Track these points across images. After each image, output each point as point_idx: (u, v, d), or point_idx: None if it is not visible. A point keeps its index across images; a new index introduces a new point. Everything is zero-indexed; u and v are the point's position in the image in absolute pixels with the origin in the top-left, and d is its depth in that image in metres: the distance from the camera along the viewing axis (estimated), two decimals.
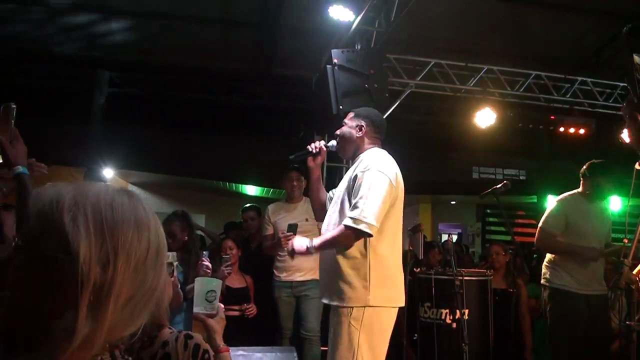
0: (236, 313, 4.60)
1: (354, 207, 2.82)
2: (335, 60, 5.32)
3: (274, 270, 5.06)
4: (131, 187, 11.11)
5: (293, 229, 4.70)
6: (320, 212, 3.35)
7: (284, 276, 4.98)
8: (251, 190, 12.40)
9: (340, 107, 5.25)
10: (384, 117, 6.34)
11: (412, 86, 6.91)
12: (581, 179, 4.34)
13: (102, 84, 8.83)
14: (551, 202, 4.44)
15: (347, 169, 3.42)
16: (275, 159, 3.35)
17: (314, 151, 3.21)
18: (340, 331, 2.83)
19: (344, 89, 5.35)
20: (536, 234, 4.34)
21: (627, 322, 2.92)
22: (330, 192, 3.35)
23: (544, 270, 4.34)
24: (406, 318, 4.90)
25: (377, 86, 5.46)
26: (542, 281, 4.33)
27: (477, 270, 4.94)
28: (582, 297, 4.12)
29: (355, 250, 2.89)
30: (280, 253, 4.98)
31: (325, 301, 3.01)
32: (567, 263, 4.19)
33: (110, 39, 7.49)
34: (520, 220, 13.52)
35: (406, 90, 6.87)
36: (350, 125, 3.18)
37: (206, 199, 12.53)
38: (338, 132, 3.24)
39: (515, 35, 6.93)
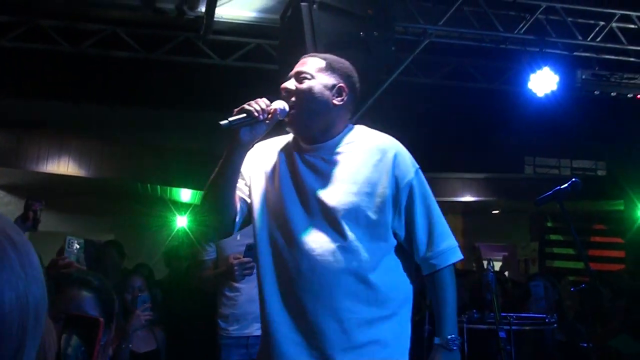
0: None
1: (438, 236, 2.81)
2: None
3: (219, 320, 4.98)
4: None
5: (253, 252, 4.58)
6: (227, 211, 2.82)
7: (233, 329, 4.89)
8: (186, 195, 12.35)
9: None
10: (390, 80, 6.40)
11: (432, 34, 6.88)
12: None
13: None
14: None
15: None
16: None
17: (261, 117, 2.61)
18: None
19: (327, 39, 5.29)
20: None
21: None
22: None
23: None
24: None
25: (377, 34, 5.42)
26: None
27: (533, 315, 4.93)
28: None
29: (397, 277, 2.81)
30: (227, 292, 4.89)
31: None
32: None
33: None
34: (598, 238, 13.62)
35: (423, 40, 6.83)
36: (324, 83, 2.76)
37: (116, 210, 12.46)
38: (295, 87, 2.75)
39: None
